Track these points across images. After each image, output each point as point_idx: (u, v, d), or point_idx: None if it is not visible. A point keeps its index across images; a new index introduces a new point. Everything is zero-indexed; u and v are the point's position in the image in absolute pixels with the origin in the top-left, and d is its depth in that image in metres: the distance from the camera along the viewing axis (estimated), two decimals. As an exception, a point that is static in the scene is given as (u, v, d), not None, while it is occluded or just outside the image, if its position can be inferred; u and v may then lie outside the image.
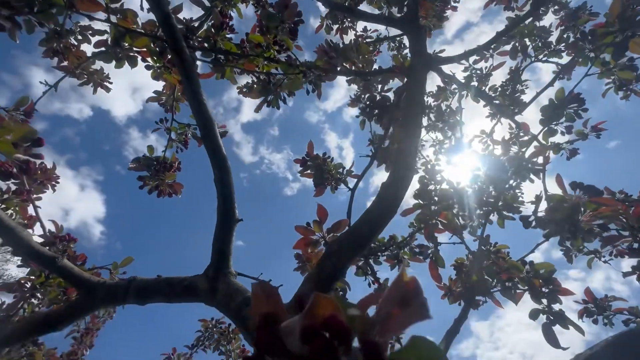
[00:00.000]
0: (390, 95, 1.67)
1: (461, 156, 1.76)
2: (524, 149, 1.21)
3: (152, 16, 1.14)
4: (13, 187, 1.39)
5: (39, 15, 0.98)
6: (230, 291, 0.80)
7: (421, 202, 1.27)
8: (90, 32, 1.46)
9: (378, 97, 1.63)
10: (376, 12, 1.97)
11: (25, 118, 1.31)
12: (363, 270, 1.56)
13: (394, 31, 2.17)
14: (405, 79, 1.21)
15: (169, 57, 1.22)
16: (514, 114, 1.66)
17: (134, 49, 1.19)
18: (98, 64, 1.68)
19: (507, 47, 1.63)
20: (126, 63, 1.24)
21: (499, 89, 2.01)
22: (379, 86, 1.73)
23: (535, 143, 1.38)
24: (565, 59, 1.86)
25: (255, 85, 1.36)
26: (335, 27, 1.69)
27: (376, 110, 1.65)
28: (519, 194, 1.35)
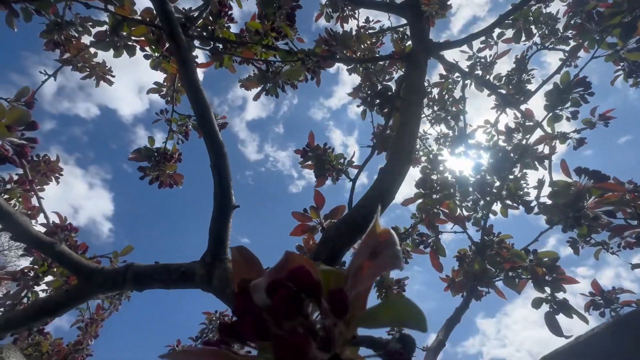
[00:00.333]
0: (392, 84, 1.64)
1: (465, 146, 1.73)
2: (527, 136, 1.18)
3: (149, 4, 1.14)
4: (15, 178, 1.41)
5: (36, 3, 0.97)
6: (226, 277, 0.79)
7: (422, 191, 1.25)
8: (91, 23, 1.46)
9: (379, 87, 1.61)
10: None
11: (26, 109, 1.32)
12: (364, 261, 1.54)
13: (397, 22, 2.14)
14: (406, 66, 1.19)
15: (167, 45, 1.22)
16: (520, 103, 1.63)
17: (132, 38, 1.19)
18: (100, 57, 1.69)
19: (512, 34, 1.59)
20: (125, 53, 1.24)
21: (505, 78, 1.97)
22: (381, 76, 1.71)
23: (540, 132, 1.35)
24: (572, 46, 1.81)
25: (254, 75, 1.35)
26: (335, 15, 1.67)
27: (377, 100, 1.63)
28: (524, 184, 1.32)
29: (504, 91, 1.85)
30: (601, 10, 1.01)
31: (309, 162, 1.63)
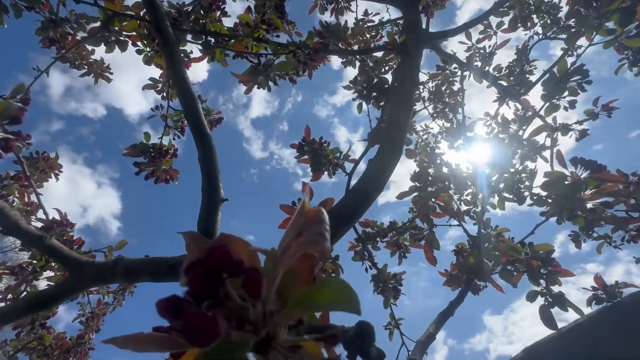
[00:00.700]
0: (389, 77, 1.62)
1: (464, 139, 1.70)
2: (524, 127, 1.16)
3: (140, -1, 1.13)
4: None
5: (26, -2, 0.98)
6: (212, 269, 0.79)
7: (417, 184, 1.23)
8: (85, 20, 1.46)
9: (375, 80, 1.59)
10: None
11: (22, 106, 1.34)
12: (360, 255, 1.54)
13: (399, 15, 2.10)
14: (399, 57, 1.17)
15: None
16: (521, 95, 1.59)
17: (124, 33, 1.19)
18: (98, 54, 1.69)
19: (507, 21, 1.55)
20: (117, 48, 1.24)
21: (506, 69, 1.93)
22: (377, 69, 1.69)
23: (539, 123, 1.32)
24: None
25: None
26: (330, 7, 1.65)
27: (374, 93, 1.61)
28: (525, 176, 1.29)
29: (504, 82, 1.81)
30: (600, -5, 0.98)
31: (305, 157, 1.62)
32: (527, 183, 1.35)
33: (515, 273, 1.04)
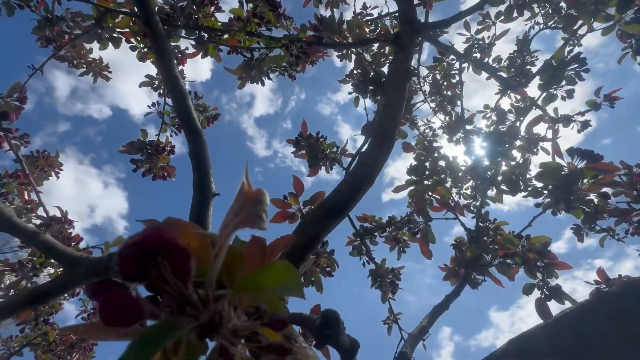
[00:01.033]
0: (386, 71, 1.60)
1: (463, 132, 1.68)
2: (521, 118, 1.14)
3: (132, -5, 1.13)
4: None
5: (18, -4, 0.98)
6: (203, 263, 0.79)
7: (414, 177, 1.22)
8: (81, 18, 1.47)
9: (372, 73, 1.57)
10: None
11: (19, 105, 1.35)
12: (358, 250, 1.53)
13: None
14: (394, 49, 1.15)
15: (152, 36, 1.21)
16: (521, 86, 1.56)
17: (117, 29, 1.19)
18: (96, 54, 1.70)
19: (504, 9, 1.52)
20: (110, 45, 1.24)
21: (506, 60, 1.89)
22: (374, 62, 1.67)
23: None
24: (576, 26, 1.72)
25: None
26: (325, 0, 1.63)
27: (370, 87, 1.59)
28: (520, 168, 1.27)
29: (504, 74, 1.78)
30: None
31: (302, 152, 1.61)
32: (522, 174, 1.33)
33: (513, 266, 1.02)
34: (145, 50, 1.27)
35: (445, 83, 1.66)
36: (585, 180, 0.90)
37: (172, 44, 1.21)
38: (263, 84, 1.27)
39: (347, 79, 1.52)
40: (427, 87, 2.02)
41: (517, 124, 1.14)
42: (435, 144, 1.55)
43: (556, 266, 0.94)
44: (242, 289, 0.20)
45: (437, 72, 1.76)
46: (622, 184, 1.04)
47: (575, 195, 0.87)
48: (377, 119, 0.99)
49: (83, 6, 1.31)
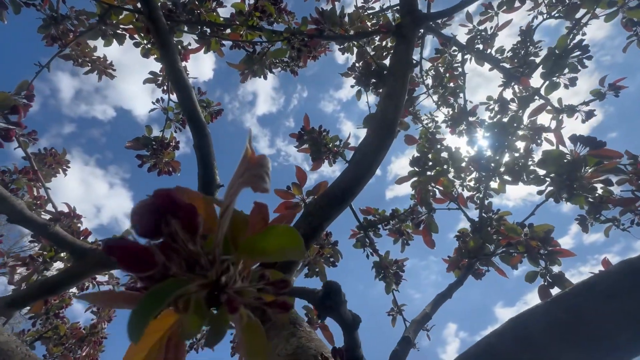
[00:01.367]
0: (387, 64, 1.60)
1: (466, 124, 1.68)
2: (524, 108, 1.13)
3: (135, -9, 1.15)
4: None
5: (24, -6, 1.00)
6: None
7: (416, 168, 1.23)
8: (85, 16, 1.49)
9: (374, 66, 1.58)
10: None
11: (27, 102, 1.38)
12: (362, 242, 1.54)
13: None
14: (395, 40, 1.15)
15: (155, 32, 1.23)
16: (524, 77, 1.55)
17: (121, 26, 1.20)
18: (100, 52, 1.72)
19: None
20: (115, 41, 1.26)
21: (509, 52, 1.88)
22: (376, 54, 1.67)
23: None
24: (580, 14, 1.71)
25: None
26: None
27: (372, 80, 1.60)
28: (522, 158, 1.27)
29: (507, 65, 1.77)
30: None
31: (305, 146, 1.62)
32: (523, 162, 1.32)
33: (515, 254, 1.03)
34: (149, 46, 1.29)
35: (448, 75, 1.66)
36: (588, 168, 0.90)
37: (175, 39, 1.22)
38: (265, 77, 1.28)
39: (350, 72, 1.53)
40: (429, 81, 2.02)
41: (520, 113, 1.14)
42: (438, 136, 1.55)
43: (559, 254, 0.94)
44: (245, 252, 0.21)
45: (439, 63, 1.76)
46: (627, 172, 1.04)
47: (578, 182, 0.87)
48: (378, 110, 1.00)
49: (87, 4, 1.33)
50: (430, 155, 1.31)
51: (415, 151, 1.45)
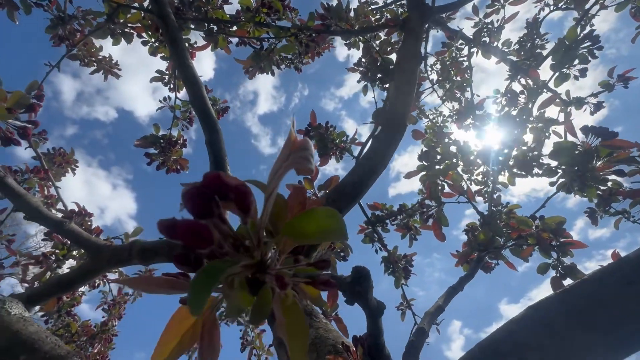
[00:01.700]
0: (394, 58, 1.60)
1: (473, 118, 1.67)
2: (533, 100, 1.13)
3: (142, -11, 1.15)
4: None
5: (34, -6, 1.01)
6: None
7: (425, 163, 1.23)
8: (92, 16, 1.50)
9: (380, 61, 1.57)
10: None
11: (37, 102, 1.39)
12: (370, 237, 1.54)
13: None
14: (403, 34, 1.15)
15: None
16: (532, 68, 1.54)
17: (129, 24, 1.21)
18: (106, 51, 1.73)
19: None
20: (123, 40, 1.26)
21: (516, 45, 1.87)
22: (382, 49, 1.66)
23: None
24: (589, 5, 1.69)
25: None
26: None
27: (378, 74, 1.59)
28: (532, 150, 1.27)
29: (514, 58, 1.76)
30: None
31: (312, 142, 1.62)
32: (535, 154, 1.32)
33: (525, 247, 1.03)
34: (157, 44, 1.29)
35: (454, 69, 1.65)
36: (600, 159, 0.90)
37: (183, 36, 1.23)
38: (273, 73, 1.28)
39: (356, 67, 1.53)
40: (434, 76, 2.01)
41: (530, 106, 1.13)
42: (445, 130, 1.55)
43: (571, 245, 0.94)
44: (287, 234, 0.21)
45: (445, 57, 1.75)
46: (638, 162, 1.03)
47: (590, 173, 0.87)
48: (387, 105, 1.00)
49: (94, 3, 1.34)
50: (438, 149, 1.30)
51: (423, 145, 1.45)
